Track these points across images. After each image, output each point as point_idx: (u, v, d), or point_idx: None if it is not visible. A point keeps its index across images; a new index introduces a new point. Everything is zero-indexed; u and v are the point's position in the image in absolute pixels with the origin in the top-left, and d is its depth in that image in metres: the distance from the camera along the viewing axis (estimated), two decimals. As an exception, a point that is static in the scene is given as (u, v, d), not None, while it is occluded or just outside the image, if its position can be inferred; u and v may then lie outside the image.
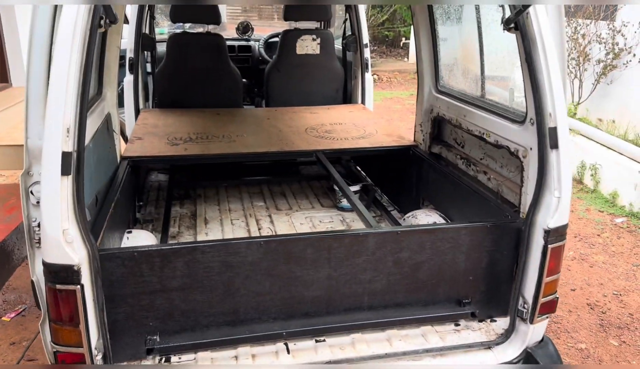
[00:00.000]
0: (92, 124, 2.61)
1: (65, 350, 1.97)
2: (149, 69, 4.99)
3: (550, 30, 2.21)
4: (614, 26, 6.80)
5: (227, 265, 2.17)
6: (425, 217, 3.13)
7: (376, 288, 2.37)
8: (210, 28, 4.60)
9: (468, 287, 2.47)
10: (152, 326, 2.17)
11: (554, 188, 2.21)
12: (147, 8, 4.54)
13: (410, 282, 2.39)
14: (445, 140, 3.40)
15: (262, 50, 5.82)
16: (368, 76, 4.74)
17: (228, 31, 8.24)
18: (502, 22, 2.23)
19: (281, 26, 4.77)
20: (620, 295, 4.27)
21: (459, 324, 2.51)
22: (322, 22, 5.22)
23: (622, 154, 6.09)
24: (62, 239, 1.83)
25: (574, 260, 4.79)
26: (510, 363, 2.39)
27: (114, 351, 2.10)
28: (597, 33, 7.02)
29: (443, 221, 3.08)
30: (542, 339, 2.49)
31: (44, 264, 1.87)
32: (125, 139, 4.33)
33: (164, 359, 2.21)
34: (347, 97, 5.02)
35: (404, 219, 3.36)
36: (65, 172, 1.82)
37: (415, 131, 3.63)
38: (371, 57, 15.21)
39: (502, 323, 2.52)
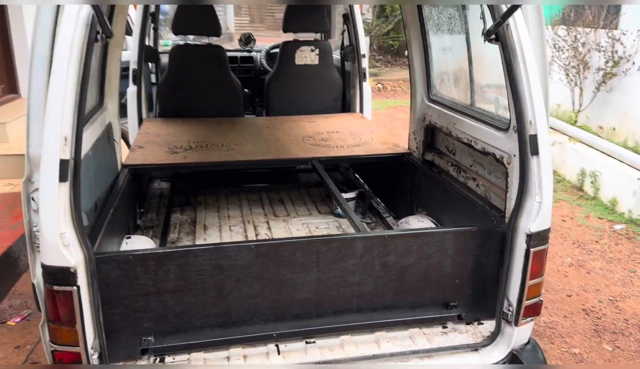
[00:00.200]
0: (93, 133, 2.71)
1: (62, 349, 2.05)
2: (153, 80, 5.12)
3: (530, 41, 2.29)
4: (613, 34, 6.86)
5: (219, 268, 2.25)
6: (417, 223, 3.19)
7: (364, 291, 2.44)
8: (215, 40, 4.71)
9: (454, 290, 2.54)
10: (147, 327, 2.25)
11: (535, 194, 2.28)
12: (150, 21, 4.67)
13: (398, 285, 2.46)
14: (438, 147, 3.47)
15: (264, 61, 5.94)
16: (366, 85, 4.83)
17: (235, 42, 8.37)
18: (482, 34, 2.31)
19: (288, 37, 4.88)
20: (616, 300, 4.30)
21: (446, 327, 2.57)
22: (322, 34, 5.34)
23: (621, 161, 6.13)
24: (59, 242, 1.92)
25: (572, 266, 4.83)
26: (495, 364, 2.45)
27: (110, 351, 2.18)
28: (597, 41, 7.07)
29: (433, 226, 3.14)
30: (528, 342, 2.54)
31: (42, 266, 1.96)
32: (129, 147, 4.44)
33: (158, 359, 2.29)
34: (345, 105, 5.12)
35: (398, 225, 3.43)
36: (62, 178, 1.91)
37: (409, 139, 3.71)
38: (376, 66, 15.17)
39: (489, 325, 2.58)
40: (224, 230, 3.68)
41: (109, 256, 2.17)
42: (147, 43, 4.71)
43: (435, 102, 3.37)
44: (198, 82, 4.56)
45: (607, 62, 6.90)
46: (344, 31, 5.03)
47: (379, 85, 14.26)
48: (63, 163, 1.91)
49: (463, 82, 3.12)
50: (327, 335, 2.47)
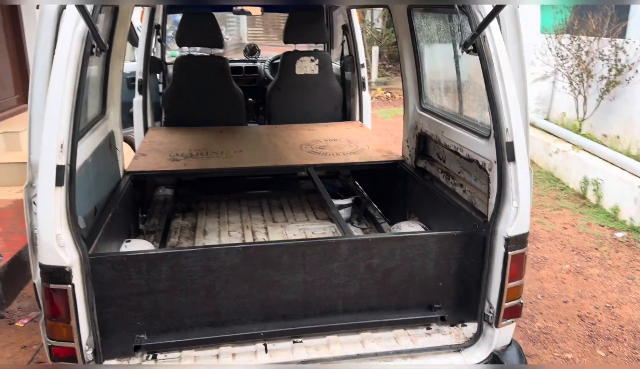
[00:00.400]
0: (93, 141, 2.85)
1: (58, 344, 2.18)
2: (162, 90, 5.28)
3: (510, 51, 2.38)
4: (616, 43, 6.89)
5: (208, 269, 2.36)
6: (408, 228, 3.28)
7: (350, 293, 2.53)
8: (230, 50, 4.86)
9: (438, 292, 2.61)
10: (140, 325, 2.36)
11: (513, 199, 2.36)
12: (155, 32, 4.83)
13: (382, 287, 2.55)
14: (430, 154, 3.56)
15: (267, 71, 6.08)
16: (365, 94, 4.94)
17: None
18: (459, 46, 2.40)
19: (300, 47, 4.97)
20: (613, 307, 4.33)
21: (430, 328, 2.65)
22: (325, 45, 5.47)
23: (624, 169, 6.15)
24: (55, 243, 2.05)
25: (569, 273, 4.87)
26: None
27: (104, 348, 2.30)
28: (600, 50, 7.11)
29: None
30: (510, 343, 2.61)
31: (40, 265, 2.09)
32: None
33: (150, 356, 2.41)
34: (346, 114, 5.23)
35: (390, 230, 3.51)
36: (59, 183, 2.04)
37: (402, 147, 3.80)
38: (385, 75, 15.16)
39: (472, 327, 2.65)
40: (223, 235, 3.80)
41: (103, 257, 2.29)
42: (153, 54, 4.87)
43: (426, 110, 3.46)
44: (201, 92, 4.71)
45: (610, 70, 6.93)
46: (343, 42, 5.15)
47: (388, 94, 14.35)
48: (59, 169, 2.04)
49: (451, 91, 3.21)
50: (314, 335, 2.56)
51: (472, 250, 2.55)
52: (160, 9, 5.18)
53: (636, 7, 6.77)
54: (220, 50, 5.74)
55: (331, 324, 2.55)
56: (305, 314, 2.53)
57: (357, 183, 4.65)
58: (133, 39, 5.47)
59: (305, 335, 2.55)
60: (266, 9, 5.78)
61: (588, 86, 7.38)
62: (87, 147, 2.72)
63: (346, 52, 5.18)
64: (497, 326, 2.50)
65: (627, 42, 6.82)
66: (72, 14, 2.08)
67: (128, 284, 2.30)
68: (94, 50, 2.16)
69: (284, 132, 4.57)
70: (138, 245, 3.10)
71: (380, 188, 4.13)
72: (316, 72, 4.85)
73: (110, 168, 3.20)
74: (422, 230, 3.24)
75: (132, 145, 5.46)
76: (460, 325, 2.68)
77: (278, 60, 6.09)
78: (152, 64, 4.81)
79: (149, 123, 4.78)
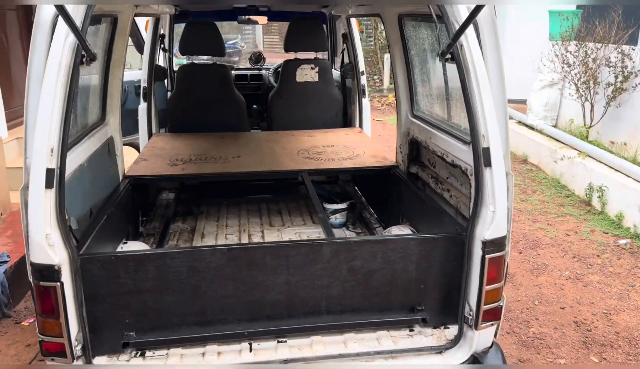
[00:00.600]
0: (90, 146, 2.97)
1: (48, 340, 2.28)
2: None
3: (487, 59, 2.43)
4: (622, 50, 6.87)
5: (194, 269, 2.45)
6: (398, 232, 3.34)
7: (333, 294, 2.59)
8: (245, 57, 4.99)
9: (420, 295, 2.67)
10: (128, 323, 2.46)
11: (489, 203, 2.41)
12: (159, 42, 4.97)
13: (365, 289, 2.61)
14: (422, 160, 3.61)
15: (272, 78, 6.19)
16: (365, 101, 5.02)
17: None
18: (437, 54, 2.47)
19: (313, 54, 5.05)
20: (610, 314, 4.32)
21: (413, 330, 2.70)
22: (328, 53, 5.57)
23: (629, 176, 6.12)
24: (44, 242, 2.15)
25: (569, 279, 4.86)
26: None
27: (93, 344, 2.39)
28: (606, 56, 7.09)
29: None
30: (491, 345, 2.65)
31: (31, 264, 2.20)
32: None
33: (139, 353, 2.50)
34: (347, 121, 5.30)
35: (382, 234, 3.57)
36: (48, 185, 2.15)
37: (396, 153, 3.87)
38: (390, 83, 15.13)
39: (454, 329, 2.69)
40: (220, 238, 3.89)
41: (93, 256, 2.39)
42: (157, 62, 5.01)
43: (417, 117, 3.52)
44: (203, 99, 4.83)
45: (616, 77, 6.91)
46: (343, 50, 5.24)
47: (392, 101, 14.40)
48: (49, 172, 2.14)
49: (439, 98, 3.27)
50: (299, 335, 2.62)
51: (452, 254, 2.60)
52: (166, 18, 5.32)
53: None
54: (233, 60, 5.84)
55: (315, 325, 2.62)
56: (289, 315, 2.60)
57: (356, 188, 4.72)
58: (140, 46, 5.63)
59: (289, 335, 2.62)
60: (269, 18, 5.89)
61: (595, 93, 7.37)
62: (83, 151, 2.84)
63: (346, 60, 5.26)
64: (476, 328, 2.54)
65: (633, 49, 6.80)
66: (63, 26, 2.20)
67: (117, 283, 2.39)
68: (84, 59, 2.27)
69: (284, 138, 4.66)
70: (133, 247, 3.21)
71: (375, 193, 4.20)
72: (316, 79, 4.94)
73: (109, 172, 3.32)
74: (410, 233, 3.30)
75: (139, 150, 5.60)
76: (442, 327, 2.73)
77: (281, 68, 6.22)
78: (157, 72, 4.94)
79: (154, 130, 4.91)
